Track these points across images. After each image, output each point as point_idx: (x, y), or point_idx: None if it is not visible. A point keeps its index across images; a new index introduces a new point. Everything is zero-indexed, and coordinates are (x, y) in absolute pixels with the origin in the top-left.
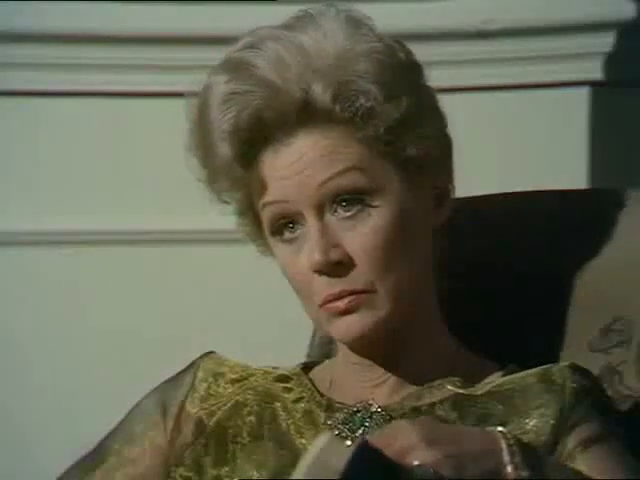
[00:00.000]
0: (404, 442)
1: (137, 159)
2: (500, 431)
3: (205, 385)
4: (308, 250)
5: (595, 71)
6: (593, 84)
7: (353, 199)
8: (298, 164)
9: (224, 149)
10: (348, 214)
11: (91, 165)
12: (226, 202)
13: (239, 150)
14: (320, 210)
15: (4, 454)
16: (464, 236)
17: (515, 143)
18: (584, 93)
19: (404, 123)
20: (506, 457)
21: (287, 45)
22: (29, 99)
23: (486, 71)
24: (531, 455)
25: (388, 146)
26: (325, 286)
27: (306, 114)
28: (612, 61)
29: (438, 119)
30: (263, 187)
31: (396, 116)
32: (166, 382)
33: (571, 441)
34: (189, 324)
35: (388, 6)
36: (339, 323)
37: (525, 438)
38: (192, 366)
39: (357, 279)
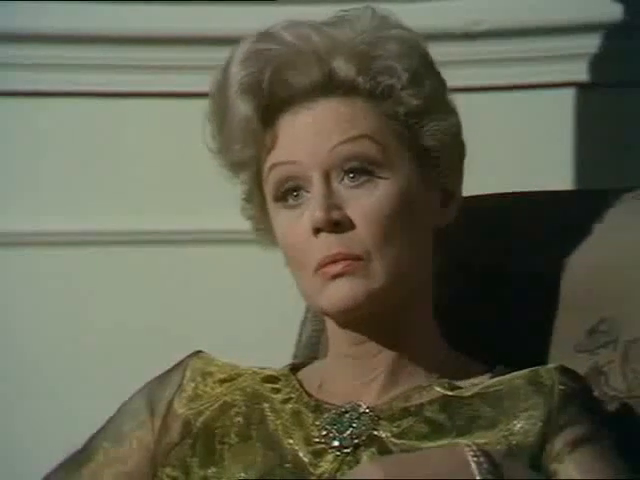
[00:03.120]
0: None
1: (137, 159)
2: (466, 444)
3: (193, 385)
4: (310, 210)
5: (580, 72)
6: (578, 85)
7: (361, 170)
8: (313, 127)
9: (243, 103)
10: (355, 183)
11: (91, 166)
12: (235, 173)
13: (258, 104)
14: (327, 176)
15: (4, 454)
16: (451, 236)
17: (500, 144)
18: (569, 94)
19: (424, 111)
20: (475, 470)
21: (318, 30)
22: (30, 99)
23: (472, 72)
24: (498, 463)
25: (406, 129)
26: (322, 246)
27: (329, 84)
28: (597, 62)
29: (455, 119)
30: (275, 147)
31: (417, 102)
32: (154, 381)
33: (559, 442)
34: (190, 325)
35: (375, 7)
36: (331, 288)
37: (513, 439)
38: (180, 365)
39: (355, 243)
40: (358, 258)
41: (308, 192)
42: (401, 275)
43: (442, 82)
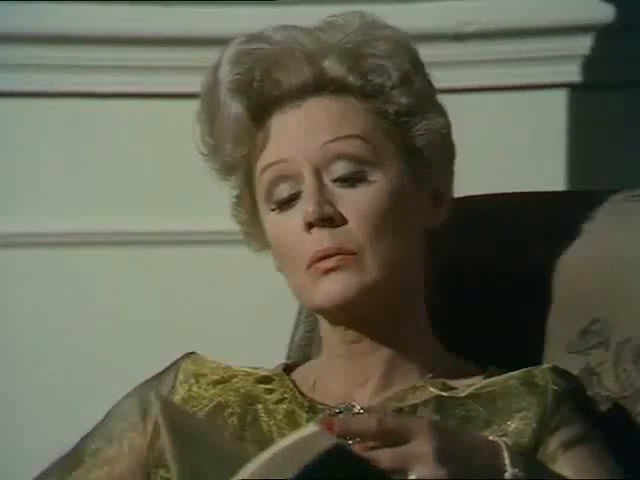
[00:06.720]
0: (415, 448)
1: (137, 160)
2: (504, 442)
3: (186, 387)
4: (303, 207)
5: (573, 73)
6: (571, 86)
7: (352, 176)
8: (305, 123)
9: (234, 102)
10: (345, 183)
11: (90, 167)
12: (226, 175)
13: (249, 103)
14: (318, 172)
15: (4, 454)
16: (443, 236)
17: (492, 145)
18: (562, 95)
19: (414, 110)
20: (509, 469)
21: (308, 32)
22: (30, 100)
23: (463, 73)
24: (528, 462)
25: (396, 128)
26: (315, 242)
27: (319, 83)
28: (590, 63)
29: (445, 120)
30: (266, 147)
31: (407, 100)
32: (145, 383)
33: (553, 443)
34: (190, 325)
35: (365, 9)
36: (324, 283)
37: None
38: (172, 367)
39: (347, 238)
40: (351, 253)
41: (300, 192)
42: (393, 270)
43: (431, 83)
